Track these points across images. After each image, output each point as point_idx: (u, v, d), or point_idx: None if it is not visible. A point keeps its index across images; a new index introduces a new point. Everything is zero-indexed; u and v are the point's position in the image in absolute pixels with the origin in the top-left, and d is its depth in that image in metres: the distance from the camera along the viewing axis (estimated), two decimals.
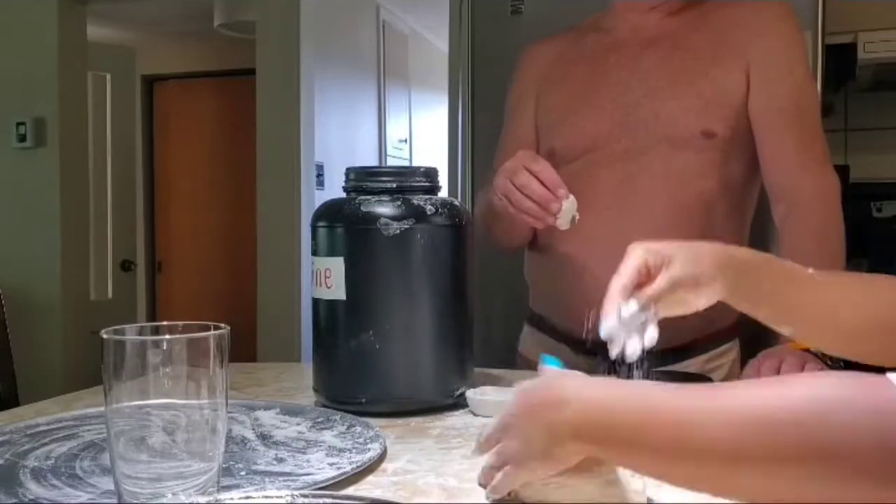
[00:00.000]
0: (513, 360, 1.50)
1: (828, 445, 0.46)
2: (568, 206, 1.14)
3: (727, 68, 1.30)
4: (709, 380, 1.25)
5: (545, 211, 1.15)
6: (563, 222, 1.15)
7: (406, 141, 4.74)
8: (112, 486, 0.62)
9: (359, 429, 0.94)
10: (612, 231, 1.30)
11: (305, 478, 0.78)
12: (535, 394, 0.64)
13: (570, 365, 1.45)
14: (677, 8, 1.37)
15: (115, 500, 0.62)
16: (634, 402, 0.56)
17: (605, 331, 0.77)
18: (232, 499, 0.54)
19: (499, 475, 0.66)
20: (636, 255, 0.80)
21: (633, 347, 0.75)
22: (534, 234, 1.46)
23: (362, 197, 1.08)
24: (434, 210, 1.06)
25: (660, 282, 0.77)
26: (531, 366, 1.46)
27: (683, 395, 0.55)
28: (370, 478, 0.80)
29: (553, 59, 1.45)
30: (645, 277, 0.79)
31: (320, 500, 0.54)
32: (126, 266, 4.34)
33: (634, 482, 0.68)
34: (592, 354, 1.39)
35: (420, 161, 4.74)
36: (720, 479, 0.52)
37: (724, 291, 0.78)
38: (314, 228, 1.10)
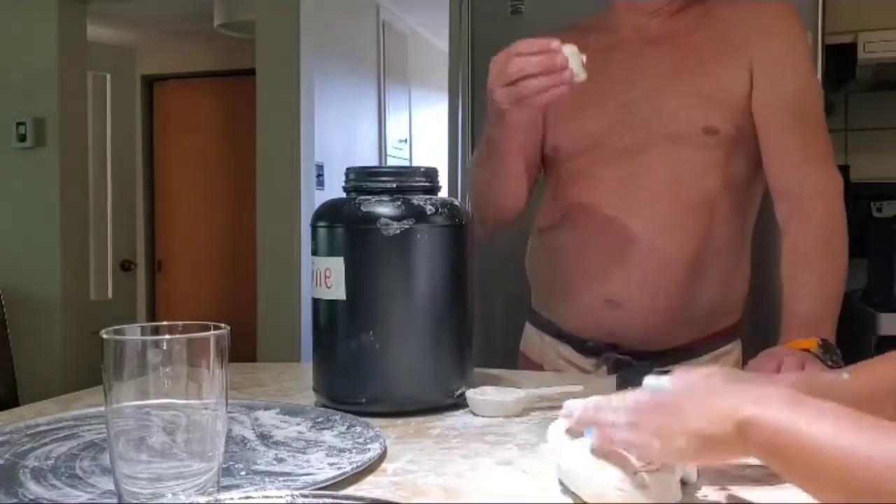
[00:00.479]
0: (513, 361, 1.50)
1: None
2: (570, 52, 1.08)
3: (729, 66, 1.30)
4: None
5: (554, 72, 1.08)
6: (577, 71, 1.08)
7: (406, 141, 4.74)
8: (112, 486, 0.62)
9: (359, 429, 0.94)
10: (615, 229, 1.30)
11: (305, 478, 0.78)
12: (707, 388, 0.67)
13: (573, 364, 1.44)
14: (679, 7, 1.37)
15: (115, 500, 0.62)
16: (812, 427, 0.58)
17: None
18: (232, 499, 0.54)
19: (638, 439, 0.67)
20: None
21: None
22: (535, 232, 1.46)
23: (362, 197, 1.08)
24: (434, 210, 1.06)
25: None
26: (533, 366, 1.46)
27: (856, 429, 0.57)
28: (370, 478, 0.80)
29: None
30: None
31: (320, 500, 0.54)
32: (126, 266, 4.34)
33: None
34: (596, 354, 1.39)
35: (420, 161, 4.74)
36: None
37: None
38: (314, 228, 1.10)
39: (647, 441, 0.66)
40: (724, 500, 0.73)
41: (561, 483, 0.76)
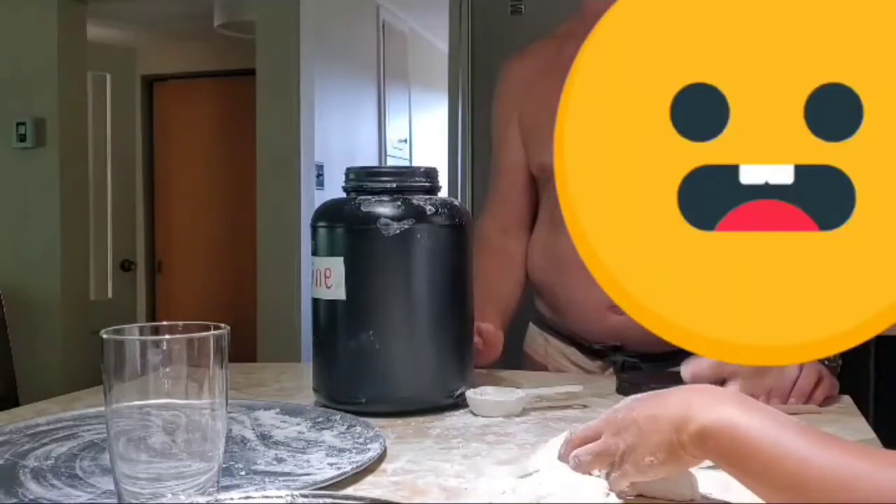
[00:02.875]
0: (513, 361, 1.50)
1: None
2: None
3: None
4: None
5: None
6: None
7: (406, 141, 4.74)
8: (112, 486, 0.62)
9: (359, 429, 0.94)
10: None
11: (305, 478, 0.78)
12: (661, 401, 0.68)
13: (578, 366, 1.44)
14: None
15: (115, 500, 0.62)
16: (765, 433, 0.61)
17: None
18: (232, 499, 0.54)
19: (615, 474, 0.70)
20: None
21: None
22: (537, 236, 1.46)
23: (362, 197, 1.08)
24: (434, 210, 1.06)
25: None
26: (537, 366, 1.46)
27: (808, 438, 0.60)
28: (370, 478, 0.80)
29: (531, 75, 1.43)
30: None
31: (320, 500, 0.54)
32: (126, 266, 4.34)
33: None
34: (602, 357, 1.39)
35: (420, 161, 4.74)
36: None
37: None
38: (314, 228, 1.10)
39: (620, 468, 0.69)
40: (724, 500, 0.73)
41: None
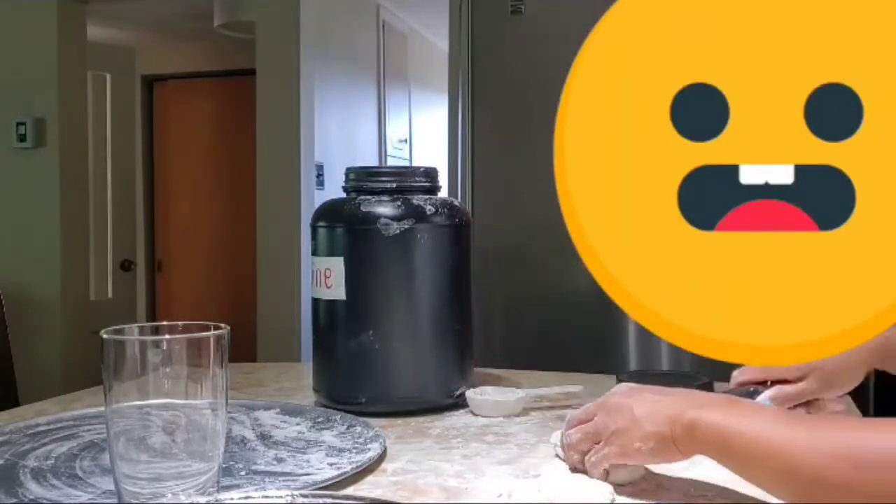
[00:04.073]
0: (513, 360, 1.50)
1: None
2: None
3: None
4: (699, 379, 1.25)
5: None
6: None
7: (406, 141, 4.74)
8: (112, 486, 0.62)
9: (359, 429, 0.94)
10: None
11: (305, 478, 0.78)
12: (661, 397, 0.74)
13: None
14: None
15: (115, 500, 0.62)
16: (749, 423, 0.66)
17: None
18: (232, 499, 0.54)
19: (592, 453, 0.76)
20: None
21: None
22: None
23: (362, 197, 1.08)
24: (434, 210, 1.06)
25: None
26: None
27: (791, 423, 0.65)
28: (370, 478, 0.80)
29: None
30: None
31: (320, 500, 0.54)
32: (126, 266, 4.34)
33: None
34: None
35: (420, 161, 4.73)
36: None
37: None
38: (314, 228, 1.10)
39: (607, 447, 0.75)
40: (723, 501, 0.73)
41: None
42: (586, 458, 0.77)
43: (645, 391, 0.77)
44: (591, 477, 0.76)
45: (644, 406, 0.73)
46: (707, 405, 0.70)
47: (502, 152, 1.92)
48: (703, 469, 0.77)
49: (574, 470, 0.79)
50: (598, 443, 0.76)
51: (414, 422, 1.02)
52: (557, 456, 0.84)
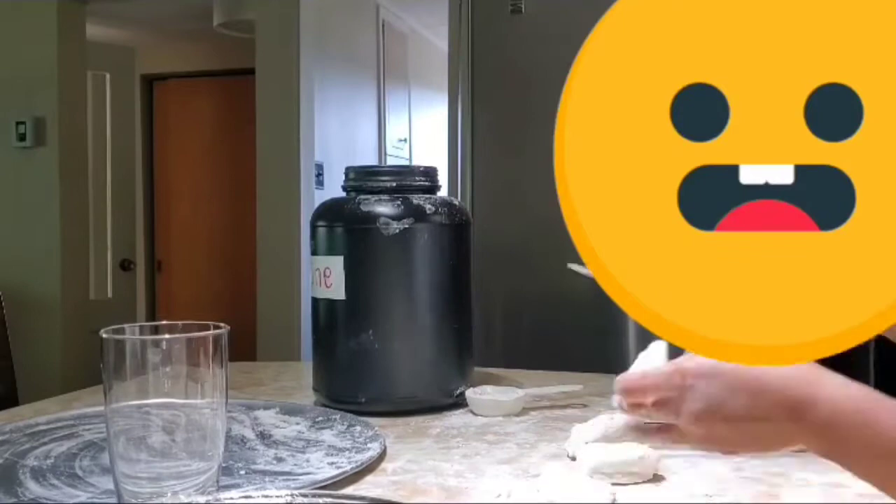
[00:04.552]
0: (513, 360, 1.50)
1: None
2: None
3: None
4: None
5: None
6: None
7: (406, 140, 4.74)
8: (112, 486, 0.62)
9: (358, 428, 0.94)
10: None
11: (305, 477, 0.78)
12: (759, 376, 0.62)
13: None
14: None
15: (114, 500, 0.62)
16: (864, 406, 0.58)
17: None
18: (231, 498, 0.54)
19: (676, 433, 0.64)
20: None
21: None
22: None
23: (362, 196, 1.08)
24: (434, 209, 1.06)
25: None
26: None
27: None
28: (370, 477, 0.80)
29: None
30: None
31: (320, 500, 0.54)
32: (125, 265, 4.34)
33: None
34: None
35: (420, 160, 4.73)
36: None
37: None
38: (314, 228, 1.10)
39: (684, 427, 0.63)
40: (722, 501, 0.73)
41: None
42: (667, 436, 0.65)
43: (733, 370, 0.62)
44: (650, 441, 0.67)
45: (736, 382, 0.61)
46: (819, 381, 0.59)
47: (502, 152, 1.92)
48: (703, 468, 0.77)
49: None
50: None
51: (414, 421, 1.02)
52: (568, 456, 0.84)
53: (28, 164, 3.53)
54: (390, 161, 4.38)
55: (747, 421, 0.61)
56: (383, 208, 1.05)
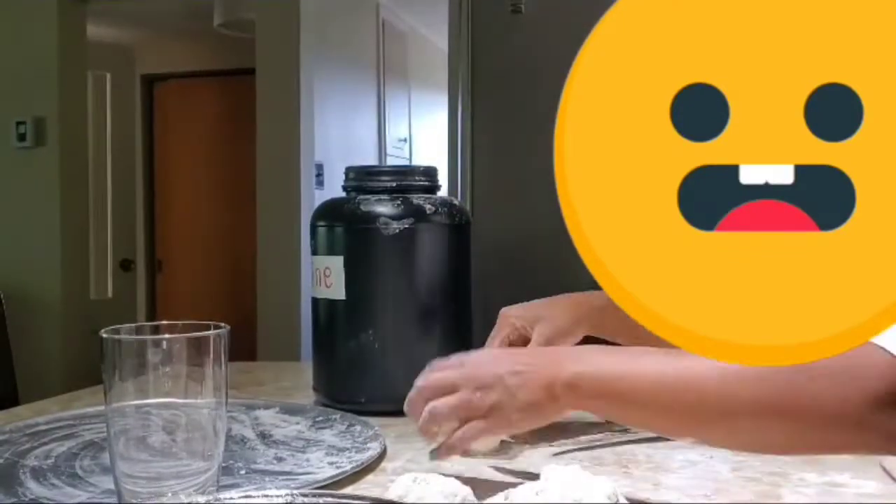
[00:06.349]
0: None
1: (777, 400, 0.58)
2: None
3: None
4: None
5: None
6: None
7: (406, 140, 4.74)
8: (112, 486, 0.62)
9: (358, 428, 0.94)
10: None
11: (305, 477, 0.78)
12: (525, 358, 0.72)
13: None
14: None
15: (115, 500, 0.62)
16: (629, 362, 0.67)
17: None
18: (231, 498, 0.54)
19: (466, 428, 0.72)
20: (504, 325, 0.94)
21: None
22: None
23: (362, 196, 1.08)
24: (434, 209, 1.06)
25: (534, 341, 0.92)
26: None
27: (668, 357, 0.64)
28: (370, 477, 0.80)
29: None
30: (518, 341, 0.94)
31: (320, 500, 0.54)
32: (126, 265, 4.34)
33: None
34: None
35: (420, 160, 4.73)
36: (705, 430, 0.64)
37: (589, 331, 0.93)
38: (314, 228, 1.10)
39: (482, 422, 0.72)
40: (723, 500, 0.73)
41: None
42: (457, 433, 0.72)
43: (513, 355, 0.75)
44: (453, 453, 0.73)
45: (517, 376, 0.70)
46: (584, 357, 0.69)
47: (502, 152, 1.92)
48: (702, 468, 0.77)
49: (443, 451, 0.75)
50: (468, 419, 0.72)
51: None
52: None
53: (28, 165, 3.53)
54: (390, 161, 4.38)
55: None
56: (383, 208, 1.05)
